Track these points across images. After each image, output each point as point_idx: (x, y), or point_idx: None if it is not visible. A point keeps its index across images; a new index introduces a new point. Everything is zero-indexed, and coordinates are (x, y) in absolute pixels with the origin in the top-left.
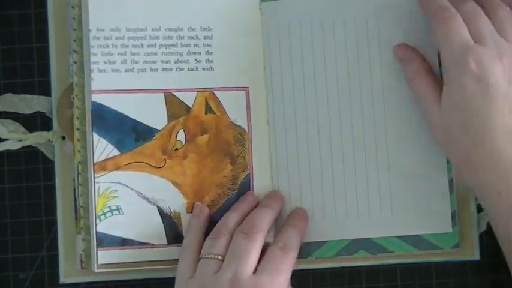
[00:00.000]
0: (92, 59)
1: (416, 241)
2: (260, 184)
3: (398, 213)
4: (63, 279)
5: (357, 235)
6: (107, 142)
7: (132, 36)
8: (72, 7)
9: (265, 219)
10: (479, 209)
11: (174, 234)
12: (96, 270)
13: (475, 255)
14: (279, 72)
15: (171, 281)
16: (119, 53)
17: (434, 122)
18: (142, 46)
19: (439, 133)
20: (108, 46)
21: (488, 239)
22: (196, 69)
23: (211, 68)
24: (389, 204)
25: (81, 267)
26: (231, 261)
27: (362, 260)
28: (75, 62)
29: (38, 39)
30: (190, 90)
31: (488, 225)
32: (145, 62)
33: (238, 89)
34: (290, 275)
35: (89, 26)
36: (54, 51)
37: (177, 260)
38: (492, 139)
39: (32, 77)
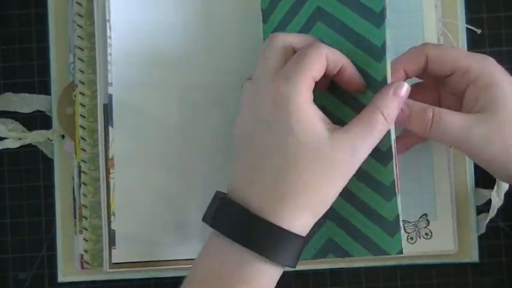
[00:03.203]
0: (109, 50)
1: (370, 246)
2: None
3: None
4: (61, 278)
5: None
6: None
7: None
8: (78, 3)
9: None
10: (478, 211)
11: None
12: (109, 270)
13: (474, 258)
14: None
15: (174, 281)
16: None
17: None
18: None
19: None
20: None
21: (488, 241)
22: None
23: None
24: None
25: (82, 267)
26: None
27: (362, 260)
28: (80, 59)
29: (38, 39)
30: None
31: (487, 228)
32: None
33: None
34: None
35: (107, 17)
36: (54, 51)
37: (192, 259)
38: None
39: (32, 76)
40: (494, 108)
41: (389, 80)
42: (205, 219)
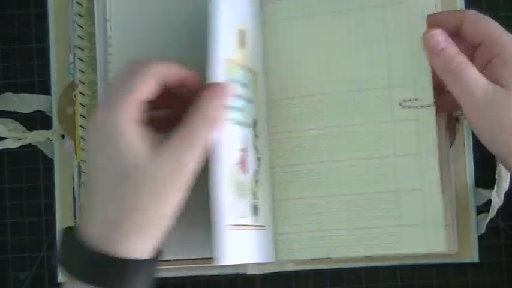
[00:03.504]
0: (109, 50)
1: None
2: None
3: None
4: (61, 278)
5: None
6: None
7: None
8: (79, 3)
9: None
10: (478, 211)
11: None
12: None
13: (474, 258)
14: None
15: (174, 281)
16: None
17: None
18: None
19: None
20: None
21: (488, 241)
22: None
23: None
24: None
25: None
26: None
27: (362, 260)
28: (80, 59)
29: (38, 39)
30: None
31: (487, 228)
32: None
33: None
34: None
35: (107, 16)
36: (54, 51)
37: (188, 260)
38: None
39: (32, 76)
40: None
41: (213, 79)
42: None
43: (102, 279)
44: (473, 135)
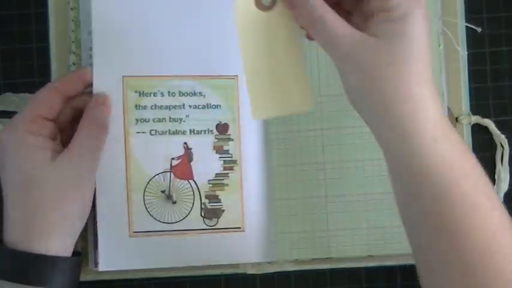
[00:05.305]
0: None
1: None
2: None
3: None
4: None
5: None
6: None
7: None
8: (71, 9)
9: None
10: None
11: None
12: (93, 269)
13: None
14: None
15: (174, 281)
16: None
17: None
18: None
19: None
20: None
21: None
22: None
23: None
24: None
25: None
26: None
27: (362, 260)
28: (73, 64)
29: (38, 39)
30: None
31: None
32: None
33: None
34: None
35: (89, 27)
36: (54, 51)
37: None
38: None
39: (32, 76)
40: (399, 41)
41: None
42: None
43: (23, 275)
44: (473, 135)
